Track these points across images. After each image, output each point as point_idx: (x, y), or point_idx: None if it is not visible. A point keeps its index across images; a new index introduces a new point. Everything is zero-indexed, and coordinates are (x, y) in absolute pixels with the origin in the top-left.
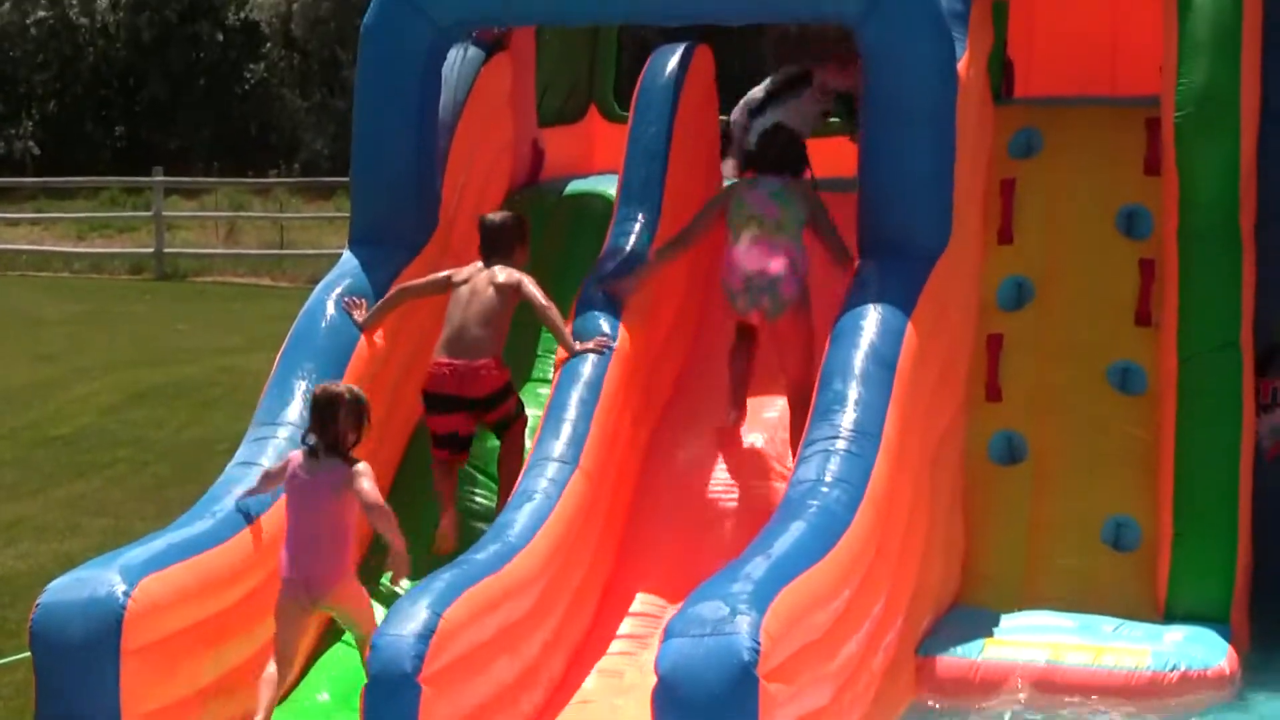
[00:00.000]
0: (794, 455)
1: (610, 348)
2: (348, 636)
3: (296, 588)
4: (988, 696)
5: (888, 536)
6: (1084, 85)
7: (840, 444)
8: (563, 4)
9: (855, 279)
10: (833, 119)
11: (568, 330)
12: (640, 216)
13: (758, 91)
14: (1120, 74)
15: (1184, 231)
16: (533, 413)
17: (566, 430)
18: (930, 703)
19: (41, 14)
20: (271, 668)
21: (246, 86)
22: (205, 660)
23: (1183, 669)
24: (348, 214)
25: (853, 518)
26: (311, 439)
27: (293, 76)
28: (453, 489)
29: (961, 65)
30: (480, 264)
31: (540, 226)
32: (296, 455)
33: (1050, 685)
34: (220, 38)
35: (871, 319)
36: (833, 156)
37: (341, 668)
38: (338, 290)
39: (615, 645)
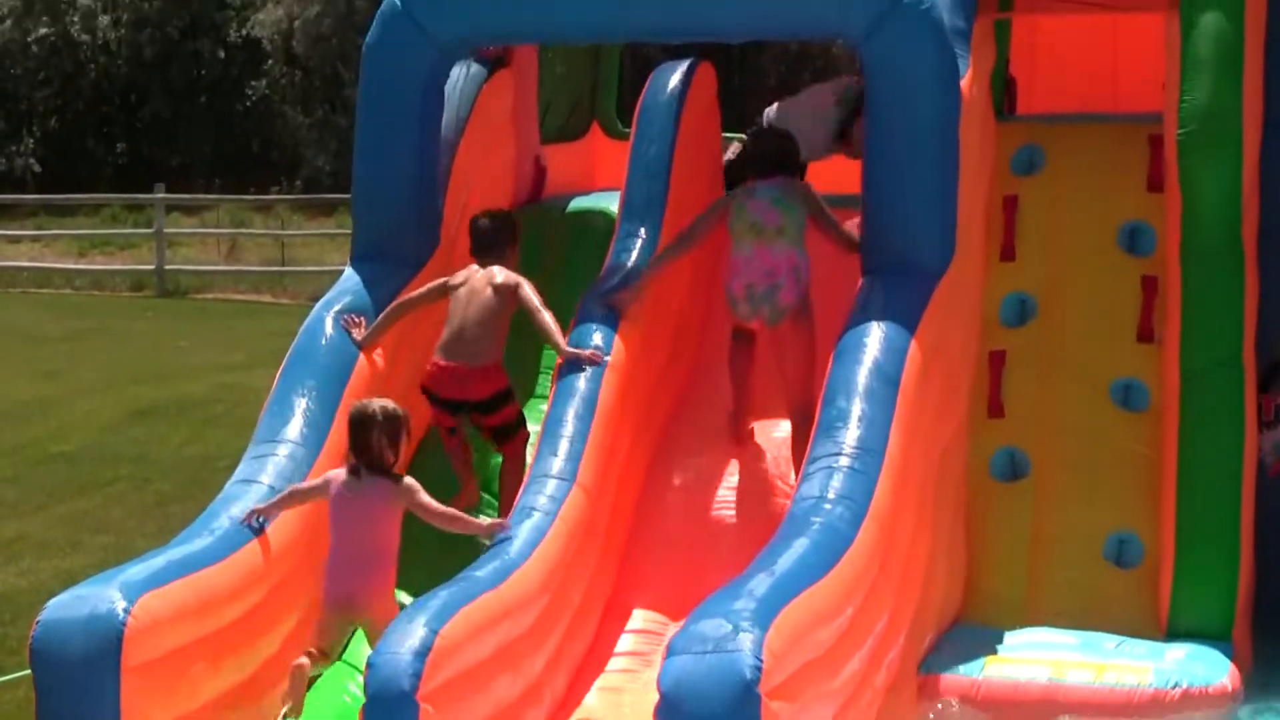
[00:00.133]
0: (795, 467)
1: (604, 361)
2: (346, 655)
3: (338, 603)
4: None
5: (891, 553)
6: (1086, 102)
7: (843, 461)
8: (565, 22)
9: (858, 296)
10: None
11: (561, 336)
12: (642, 234)
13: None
14: (1122, 91)
15: (1186, 248)
16: (533, 428)
17: (564, 446)
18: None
19: (43, 31)
20: (304, 659)
21: (248, 103)
22: (205, 677)
23: (1185, 687)
24: (349, 231)
25: (856, 535)
26: (353, 459)
27: (294, 93)
28: (468, 459)
29: (964, 82)
30: (475, 267)
31: (542, 243)
32: (339, 474)
33: (1052, 703)
34: (222, 55)
35: (875, 336)
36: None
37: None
38: (337, 308)
39: (617, 662)
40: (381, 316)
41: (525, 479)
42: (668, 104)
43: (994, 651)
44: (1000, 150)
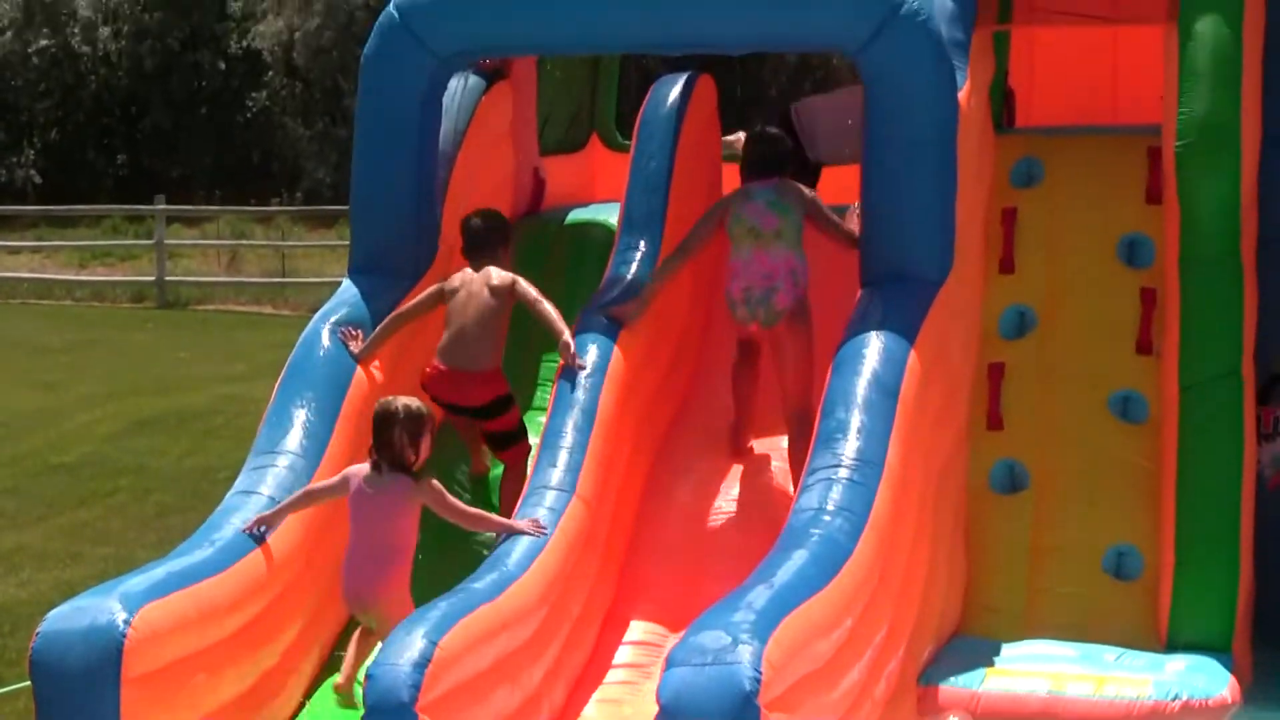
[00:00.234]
0: (792, 472)
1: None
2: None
3: (350, 597)
4: None
5: (890, 565)
6: (1085, 114)
7: (843, 472)
8: (564, 34)
9: (857, 307)
10: None
11: (564, 325)
12: (642, 246)
13: None
14: (1121, 103)
15: (1185, 260)
16: (532, 440)
17: (563, 458)
18: None
19: (43, 43)
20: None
21: (248, 115)
22: (206, 688)
23: (1184, 699)
24: (349, 242)
25: (855, 546)
26: (375, 455)
27: (295, 105)
28: (475, 434)
29: (963, 94)
30: (469, 272)
31: (542, 255)
32: (361, 470)
33: (1051, 716)
34: (222, 66)
35: (874, 347)
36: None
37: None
38: (335, 319)
39: (616, 674)
40: (378, 329)
41: (524, 490)
42: (668, 116)
43: (993, 663)
44: (999, 162)
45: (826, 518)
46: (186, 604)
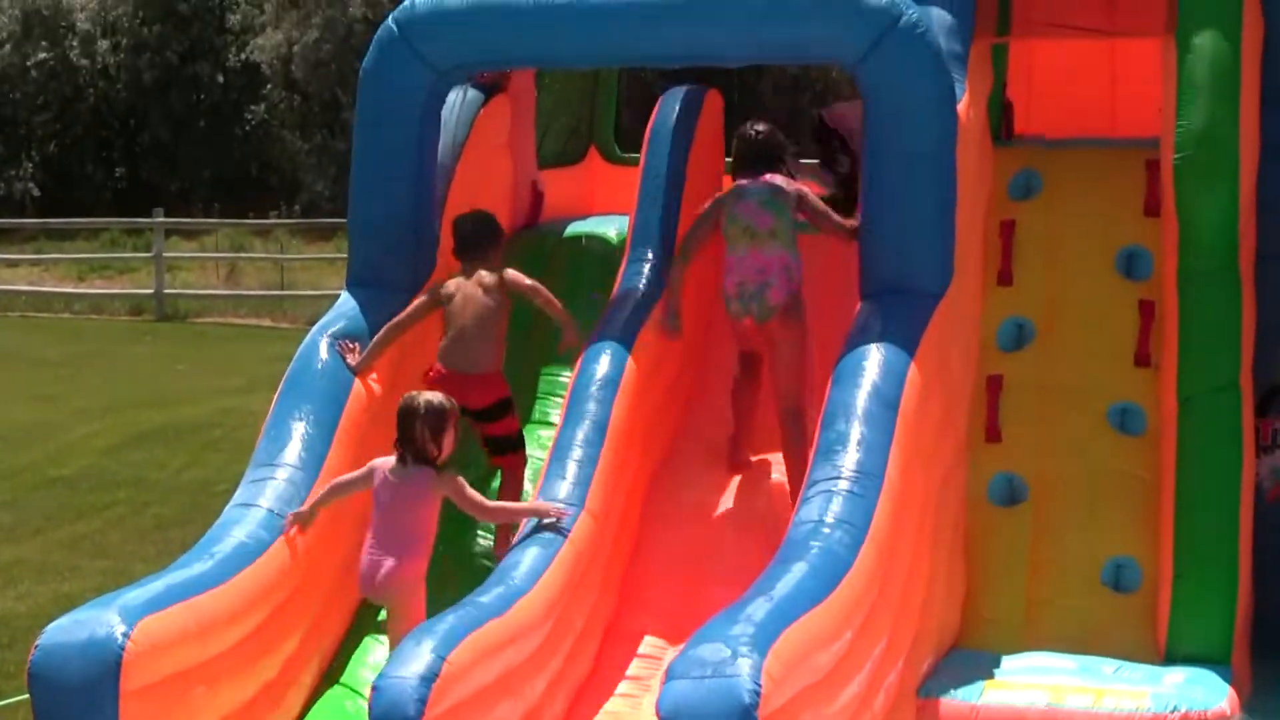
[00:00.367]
0: (787, 471)
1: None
2: (345, 678)
3: (365, 582)
4: None
5: (890, 578)
6: (1083, 127)
7: (843, 484)
8: (562, 47)
9: (857, 319)
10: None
11: (562, 307)
12: (651, 258)
13: None
14: (1119, 115)
15: (1184, 272)
16: (535, 454)
17: (573, 470)
18: None
19: (42, 55)
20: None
21: (247, 128)
22: (204, 701)
23: (1183, 711)
24: (347, 255)
25: (855, 559)
26: (399, 448)
27: (293, 118)
28: None
29: (961, 107)
30: (462, 278)
31: (540, 268)
32: (386, 462)
33: None
34: (221, 79)
35: (874, 359)
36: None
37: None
38: (333, 331)
39: (617, 686)
40: (375, 340)
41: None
42: (678, 129)
43: (992, 676)
44: (997, 175)
45: (826, 530)
46: (185, 617)
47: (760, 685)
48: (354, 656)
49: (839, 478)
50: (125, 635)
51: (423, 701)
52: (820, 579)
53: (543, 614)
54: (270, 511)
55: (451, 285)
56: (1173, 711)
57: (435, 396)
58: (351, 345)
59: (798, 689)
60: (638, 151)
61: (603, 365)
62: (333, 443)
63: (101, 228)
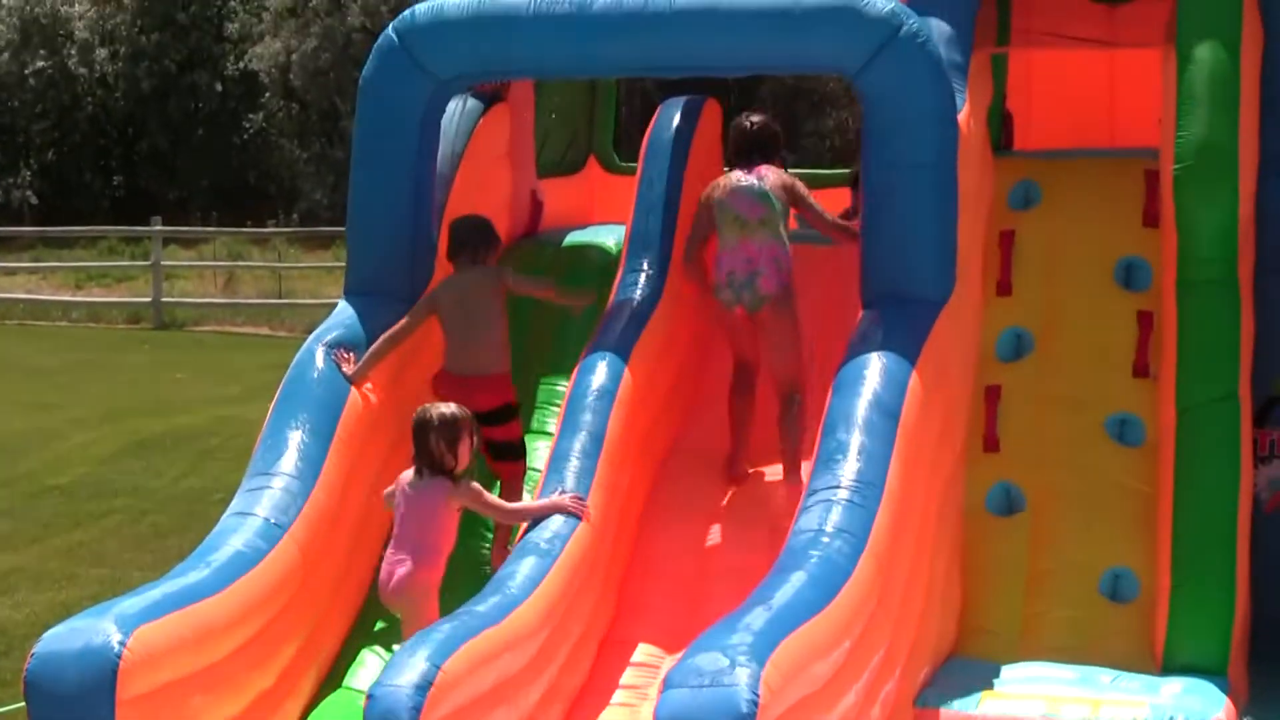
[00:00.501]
0: (780, 448)
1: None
2: (349, 681)
3: (381, 589)
4: None
5: (889, 587)
6: (1083, 137)
7: (842, 494)
8: (562, 57)
9: (858, 328)
10: None
11: (555, 287)
12: (647, 268)
13: None
14: (1119, 126)
15: (1182, 283)
16: (533, 468)
17: (570, 482)
18: None
19: (40, 64)
20: None
21: (245, 136)
22: (201, 710)
23: None
24: (346, 264)
25: (854, 568)
26: (416, 461)
27: (291, 127)
28: None
29: (962, 117)
30: (453, 277)
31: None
32: (409, 474)
33: None
34: (219, 88)
35: (875, 368)
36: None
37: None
38: (329, 340)
39: (614, 696)
40: (370, 350)
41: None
42: (675, 139)
43: (990, 685)
44: (997, 185)
45: (825, 539)
46: (182, 625)
47: (758, 695)
48: (355, 657)
49: (839, 486)
50: (122, 643)
51: (417, 709)
52: (819, 588)
53: (539, 623)
54: (267, 520)
55: (444, 289)
56: None
57: (448, 408)
58: (347, 354)
59: (796, 699)
60: (636, 161)
61: (599, 376)
62: (329, 451)
63: (99, 236)
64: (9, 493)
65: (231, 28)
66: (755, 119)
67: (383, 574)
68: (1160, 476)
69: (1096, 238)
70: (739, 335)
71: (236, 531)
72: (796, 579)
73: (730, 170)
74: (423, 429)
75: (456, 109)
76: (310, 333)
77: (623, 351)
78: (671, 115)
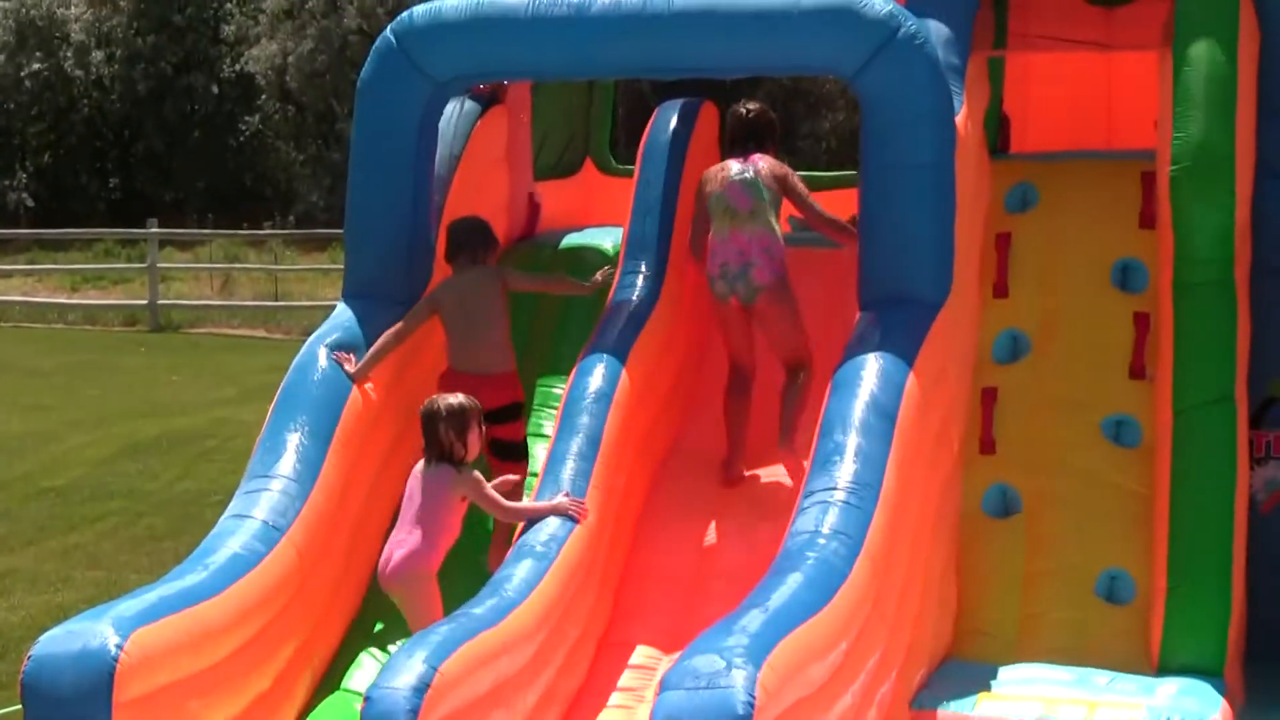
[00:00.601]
0: (780, 425)
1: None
2: (347, 683)
3: (379, 572)
4: None
5: (885, 589)
6: (1080, 140)
7: (839, 495)
8: (559, 59)
9: (856, 329)
10: None
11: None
12: (644, 271)
13: None
14: (1116, 128)
15: (1179, 285)
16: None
17: (567, 484)
18: None
19: (36, 66)
20: None
21: (241, 139)
22: (198, 713)
23: None
24: (342, 266)
25: (850, 570)
26: (426, 451)
27: (288, 129)
28: None
29: (959, 119)
30: (453, 278)
31: None
32: (421, 463)
33: None
34: (215, 90)
35: (872, 370)
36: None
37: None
38: (329, 342)
39: (611, 698)
40: (374, 349)
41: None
42: (672, 142)
43: (986, 687)
44: (994, 187)
45: (822, 541)
46: (179, 628)
47: (754, 697)
48: (354, 659)
49: (835, 488)
50: (119, 646)
51: (415, 712)
52: (816, 590)
53: (536, 625)
54: (265, 523)
55: (444, 289)
56: None
57: (455, 397)
58: (347, 356)
59: (792, 701)
60: (633, 163)
61: (596, 378)
62: (328, 454)
63: (95, 238)
64: (4, 495)
65: (228, 30)
66: (752, 106)
67: (382, 557)
68: (1157, 478)
69: (1093, 240)
70: (734, 329)
71: (234, 534)
72: (793, 581)
73: (725, 158)
74: (431, 419)
75: (454, 111)
76: (307, 335)
77: (620, 353)
78: (669, 118)
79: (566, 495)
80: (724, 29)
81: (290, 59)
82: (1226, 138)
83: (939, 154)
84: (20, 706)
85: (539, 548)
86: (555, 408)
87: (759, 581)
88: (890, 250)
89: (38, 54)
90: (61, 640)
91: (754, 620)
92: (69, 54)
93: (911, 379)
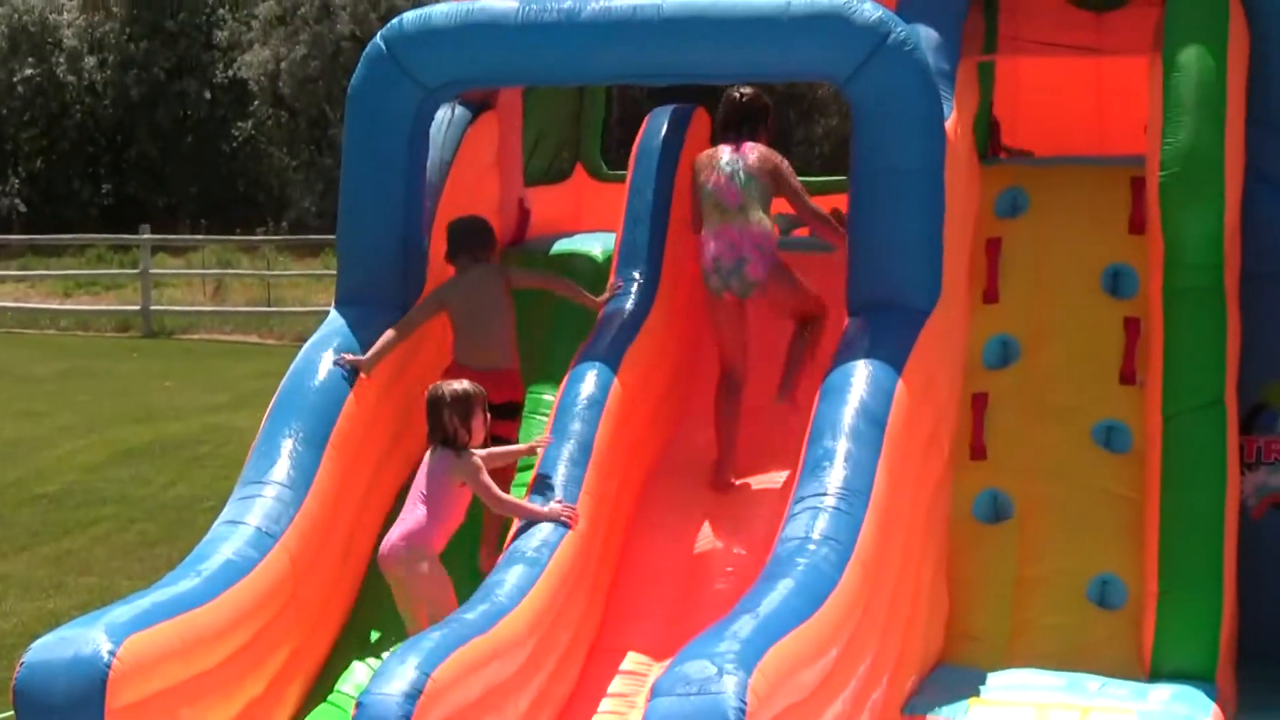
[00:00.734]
0: (783, 372)
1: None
2: (332, 698)
3: (380, 554)
4: None
5: (876, 595)
6: (1069, 145)
7: (829, 501)
8: (551, 64)
9: (845, 335)
10: None
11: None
12: (637, 278)
13: None
14: (1106, 134)
15: (1169, 290)
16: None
17: (559, 490)
18: None
19: (29, 71)
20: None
21: (234, 144)
22: (191, 719)
23: None
24: (335, 272)
25: (841, 576)
26: (430, 438)
27: (280, 135)
28: None
29: (949, 124)
30: (458, 276)
31: None
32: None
33: None
34: (208, 96)
35: (861, 376)
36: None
37: None
38: (326, 350)
39: (603, 704)
40: (382, 343)
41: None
42: (664, 148)
43: (978, 693)
44: (984, 193)
45: (812, 547)
46: (172, 634)
47: (745, 703)
48: (348, 665)
49: (826, 494)
50: (111, 653)
51: (407, 717)
52: (806, 596)
53: (527, 631)
54: (258, 529)
55: (450, 287)
56: None
57: (460, 383)
58: (353, 357)
59: (783, 706)
60: (624, 169)
61: (588, 385)
62: (322, 460)
63: (88, 244)
64: None
65: (220, 35)
66: (745, 90)
67: (384, 541)
68: (1147, 483)
69: (1083, 245)
70: (727, 326)
71: (227, 540)
72: (784, 587)
73: (716, 143)
74: (436, 405)
75: (445, 117)
76: (300, 341)
77: (612, 361)
78: (660, 124)
79: (559, 501)
80: (714, 35)
81: (283, 65)
82: (1216, 143)
83: (929, 159)
84: (13, 713)
85: (530, 553)
86: (547, 414)
87: (750, 587)
88: (880, 255)
89: (30, 59)
90: (54, 647)
91: (745, 626)
92: (61, 59)
93: (901, 385)
